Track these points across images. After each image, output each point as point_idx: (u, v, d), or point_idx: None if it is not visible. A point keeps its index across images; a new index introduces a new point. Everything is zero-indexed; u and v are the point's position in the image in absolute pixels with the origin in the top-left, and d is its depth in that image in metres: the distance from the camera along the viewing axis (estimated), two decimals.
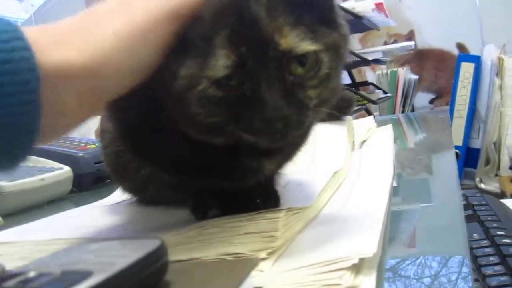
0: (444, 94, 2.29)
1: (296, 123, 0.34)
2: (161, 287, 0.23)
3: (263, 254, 0.30)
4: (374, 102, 1.26)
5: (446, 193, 0.50)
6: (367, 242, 0.29)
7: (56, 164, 0.86)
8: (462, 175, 1.90)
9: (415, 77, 2.03)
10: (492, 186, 1.90)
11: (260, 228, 0.34)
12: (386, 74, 2.10)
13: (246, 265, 0.27)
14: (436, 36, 2.32)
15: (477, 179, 1.91)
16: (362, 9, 1.21)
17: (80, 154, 0.92)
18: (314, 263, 0.28)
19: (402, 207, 0.52)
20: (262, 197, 0.42)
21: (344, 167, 0.56)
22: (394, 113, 1.98)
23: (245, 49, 0.32)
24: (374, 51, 1.28)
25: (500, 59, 1.91)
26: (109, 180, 0.95)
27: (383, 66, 2.08)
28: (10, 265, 0.24)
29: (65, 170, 0.84)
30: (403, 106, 1.99)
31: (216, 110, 0.34)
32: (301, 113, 0.34)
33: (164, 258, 0.23)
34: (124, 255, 0.22)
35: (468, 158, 1.90)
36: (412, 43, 1.41)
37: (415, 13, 2.33)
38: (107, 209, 0.58)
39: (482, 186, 1.91)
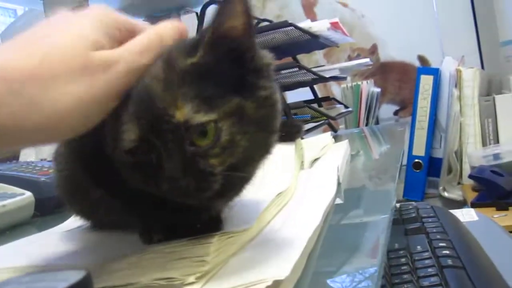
0: (408, 105, 2.35)
1: (197, 191, 0.37)
2: None
3: (191, 279, 0.33)
4: (332, 118, 1.30)
5: (381, 205, 0.53)
6: (282, 265, 0.32)
7: (18, 190, 0.88)
8: (425, 184, 1.95)
9: (377, 90, 2.09)
10: (455, 194, 1.95)
11: (193, 253, 0.37)
12: (351, 87, 2.16)
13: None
14: (398, 49, 2.38)
15: (441, 187, 1.97)
16: (318, 29, 1.25)
17: (42, 179, 0.93)
18: (236, 285, 0.31)
19: (344, 221, 0.55)
20: (203, 222, 0.44)
21: (290, 187, 0.59)
22: (358, 126, 2.03)
23: (145, 123, 0.35)
24: (332, 68, 1.32)
25: (458, 71, 1.98)
26: None
27: (348, 79, 2.13)
28: None
29: (27, 196, 0.86)
30: (367, 119, 2.04)
31: (132, 173, 0.38)
32: (201, 181, 0.36)
33: None
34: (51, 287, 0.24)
35: (431, 167, 1.95)
36: (367, 60, 1.45)
37: (377, 27, 2.39)
38: (63, 235, 0.60)
39: (446, 194, 1.96)
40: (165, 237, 0.44)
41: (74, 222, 0.65)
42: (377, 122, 2.17)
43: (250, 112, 0.37)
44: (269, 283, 0.30)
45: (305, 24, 1.26)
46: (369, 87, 2.06)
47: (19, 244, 0.59)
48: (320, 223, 0.45)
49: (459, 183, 1.98)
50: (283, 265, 0.32)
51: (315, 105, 1.37)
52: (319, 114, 1.28)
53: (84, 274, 0.26)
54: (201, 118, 0.35)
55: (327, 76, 1.27)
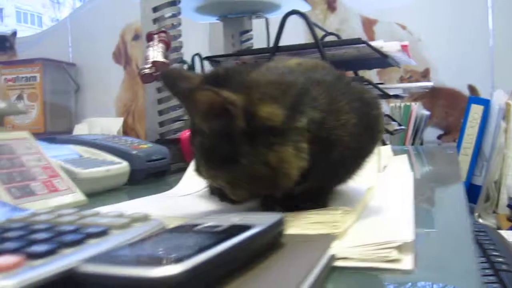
0: (452, 131, 2.42)
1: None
2: (279, 245, 0.36)
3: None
4: (391, 133, 1.39)
5: (456, 220, 0.59)
6: (404, 231, 0.42)
7: (116, 159, 0.99)
8: None
9: (427, 113, 2.17)
10: (489, 221, 2.02)
11: (325, 219, 0.48)
12: (399, 107, 2.24)
13: (328, 237, 0.40)
14: (449, 75, 2.46)
15: (476, 214, 2.04)
16: (389, 49, 1.34)
17: (134, 152, 1.04)
18: (371, 243, 0.41)
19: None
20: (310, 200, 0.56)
21: (374, 185, 0.70)
22: (404, 144, 2.12)
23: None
24: (396, 87, 1.41)
25: (507, 104, 2.05)
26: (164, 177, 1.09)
27: (397, 99, 2.21)
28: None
29: (124, 165, 0.97)
30: (413, 139, 2.12)
31: None
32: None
33: (283, 225, 0.37)
34: (264, 219, 0.35)
35: (470, 193, 2.02)
36: (430, 83, 1.55)
37: (432, 52, 2.48)
38: (190, 198, 0.70)
39: (480, 220, 2.03)
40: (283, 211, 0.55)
41: (184, 188, 0.76)
42: (421, 143, 2.25)
43: (240, 181, 0.51)
44: (399, 243, 0.40)
45: (377, 43, 1.36)
46: (418, 109, 2.14)
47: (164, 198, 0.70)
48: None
49: (494, 212, 2.05)
50: (405, 231, 0.42)
51: None
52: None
53: (281, 215, 0.37)
54: (212, 183, 0.56)
55: (391, 94, 1.37)
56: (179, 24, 1.41)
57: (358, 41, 1.33)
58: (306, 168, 0.51)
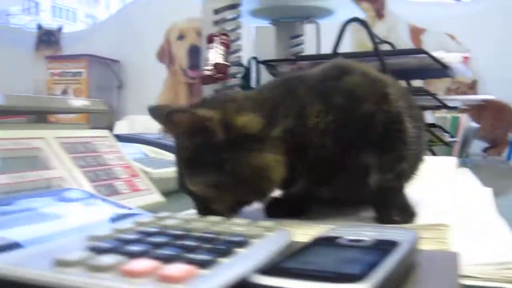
0: (498, 145, 2.38)
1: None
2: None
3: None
4: (447, 145, 1.37)
5: None
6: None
7: None
8: None
9: (475, 125, 2.13)
10: None
11: (432, 235, 0.47)
12: (445, 117, 2.21)
13: (449, 255, 0.39)
14: (496, 88, 2.42)
15: None
16: (450, 60, 1.33)
17: None
18: (491, 262, 0.40)
19: None
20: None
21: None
22: (450, 155, 2.08)
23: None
24: (455, 99, 1.40)
25: None
26: None
27: (444, 110, 2.18)
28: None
29: None
30: (461, 151, 2.09)
31: None
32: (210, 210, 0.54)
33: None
34: (399, 234, 0.34)
35: None
36: (492, 97, 1.53)
37: (480, 64, 2.44)
38: None
39: None
40: None
41: None
42: (467, 156, 2.21)
43: (223, 183, 0.52)
44: None
45: (438, 54, 1.34)
46: (467, 121, 2.11)
47: None
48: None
49: None
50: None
51: None
52: (436, 139, 1.35)
53: (415, 233, 0.36)
54: (197, 190, 0.54)
55: (450, 105, 1.35)
56: (239, 27, 1.41)
57: (419, 51, 1.32)
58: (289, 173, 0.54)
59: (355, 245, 0.33)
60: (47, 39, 3.32)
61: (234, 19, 1.40)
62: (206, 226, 0.37)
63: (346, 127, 0.55)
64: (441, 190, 0.75)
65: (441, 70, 1.37)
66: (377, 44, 1.33)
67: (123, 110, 3.19)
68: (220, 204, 0.53)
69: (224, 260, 0.29)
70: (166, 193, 0.81)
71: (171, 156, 1.00)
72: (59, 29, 3.38)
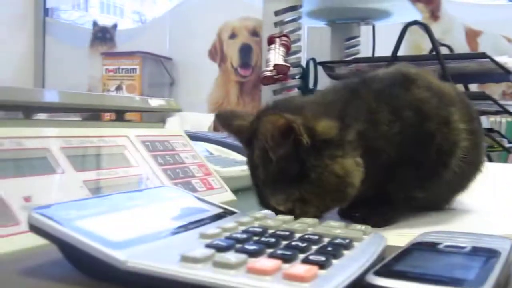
0: None
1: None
2: None
3: None
4: (507, 150, 1.35)
5: None
6: None
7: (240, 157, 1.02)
8: None
9: None
10: None
11: None
12: (500, 122, 2.17)
13: None
14: None
15: None
16: None
17: None
18: None
19: None
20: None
21: None
22: (506, 161, 2.05)
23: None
24: None
25: None
26: None
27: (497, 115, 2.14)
28: None
29: None
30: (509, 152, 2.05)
31: None
32: None
33: None
34: (500, 243, 0.35)
35: None
36: None
37: None
38: None
39: None
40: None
41: None
42: None
43: (309, 197, 0.51)
44: None
45: (501, 59, 1.32)
46: None
47: None
48: None
49: None
50: None
51: None
52: (496, 144, 1.34)
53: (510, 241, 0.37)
54: (282, 208, 0.52)
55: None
56: (299, 28, 1.43)
57: (482, 55, 1.30)
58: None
59: (456, 251, 0.34)
60: (102, 36, 3.41)
61: (294, 20, 1.42)
62: (304, 227, 0.39)
63: (409, 141, 0.56)
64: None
65: (503, 75, 1.35)
66: (438, 48, 1.33)
67: None
68: (305, 213, 0.51)
69: (336, 262, 0.31)
70: (234, 191, 0.83)
71: (235, 155, 1.02)
72: (114, 26, 3.47)
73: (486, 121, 2.33)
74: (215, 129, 3.08)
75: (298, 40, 1.42)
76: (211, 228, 0.36)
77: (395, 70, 0.62)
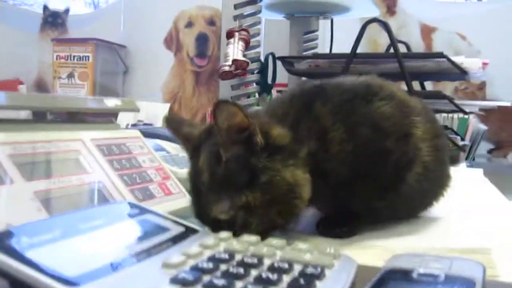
0: (503, 147, 2.39)
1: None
2: None
3: None
4: (462, 150, 1.37)
5: None
6: None
7: None
8: None
9: (484, 127, 2.14)
10: None
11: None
12: (452, 118, 2.21)
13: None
14: (505, 90, 2.42)
15: None
16: (470, 66, 1.33)
17: None
18: None
19: None
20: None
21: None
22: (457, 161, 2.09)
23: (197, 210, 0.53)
24: (472, 104, 1.40)
25: None
26: None
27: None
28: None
29: None
30: (468, 154, 2.09)
31: None
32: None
33: None
34: (474, 269, 0.35)
35: None
36: (507, 103, 1.53)
37: (490, 65, 2.43)
38: None
39: None
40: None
41: None
42: (472, 159, 2.22)
43: (257, 203, 0.48)
44: None
45: (458, 59, 1.34)
46: (476, 123, 2.11)
47: None
48: None
49: None
50: None
51: None
52: (451, 144, 1.35)
53: (482, 266, 0.36)
54: (224, 216, 0.48)
55: (467, 110, 1.35)
56: (259, 22, 1.40)
57: (439, 55, 1.31)
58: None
59: (431, 281, 0.33)
60: (53, 20, 3.29)
61: (253, 14, 1.39)
62: (272, 251, 0.37)
63: (364, 159, 0.55)
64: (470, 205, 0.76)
65: (459, 74, 1.37)
66: (397, 47, 1.33)
67: (128, 95, 3.18)
68: (246, 225, 0.49)
69: None
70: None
71: None
72: (66, 11, 3.35)
73: (439, 118, 2.37)
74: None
75: (258, 34, 1.39)
76: (174, 255, 0.34)
77: (361, 82, 0.61)
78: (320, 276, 0.33)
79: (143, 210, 0.45)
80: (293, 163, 0.51)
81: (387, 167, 0.56)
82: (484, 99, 2.42)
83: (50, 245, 0.33)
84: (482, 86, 2.44)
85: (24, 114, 0.69)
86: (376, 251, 0.53)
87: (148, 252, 0.35)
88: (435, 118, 0.64)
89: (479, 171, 1.04)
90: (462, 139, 1.63)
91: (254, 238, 0.40)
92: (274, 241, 0.40)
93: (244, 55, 1.32)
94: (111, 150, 0.67)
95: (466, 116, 2.18)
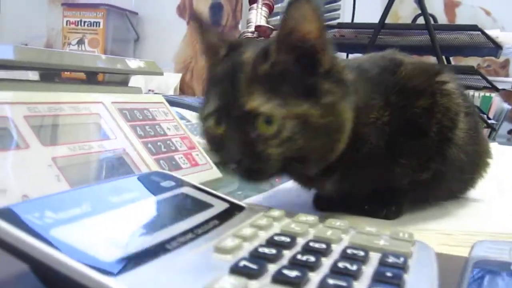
0: None
1: (249, 169, 0.42)
2: None
3: None
4: (492, 128, 1.31)
5: None
6: None
7: None
8: None
9: (508, 106, 2.06)
10: None
11: None
12: (473, 96, 2.13)
13: None
14: None
15: None
16: (504, 40, 1.25)
17: None
18: None
19: None
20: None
21: None
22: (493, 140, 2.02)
23: (222, 102, 0.42)
24: (506, 81, 1.33)
25: None
26: None
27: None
28: None
29: None
30: (490, 134, 2.02)
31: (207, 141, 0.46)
32: (255, 162, 0.41)
33: None
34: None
35: None
36: None
37: None
38: None
39: None
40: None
41: None
42: (493, 139, 2.15)
43: (313, 120, 0.41)
44: None
45: (493, 32, 1.27)
46: (499, 102, 2.04)
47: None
48: None
49: None
50: None
51: None
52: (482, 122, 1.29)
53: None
54: (269, 109, 0.40)
55: (499, 87, 1.28)
56: None
57: (473, 27, 1.24)
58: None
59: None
60: None
61: None
62: (337, 234, 0.31)
63: (400, 127, 0.49)
64: None
65: (492, 49, 1.30)
66: (428, 19, 1.26)
67: None
68: (276, 155, 0.41)
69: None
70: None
71: None
72: None
73: None
74: (181, 90, 2.96)
75: (281, 0, 1.32)
76: (227, 238, 0.28)
77: (381, 57, 0.56)
78: (405, 268, 0.27)
79: (180, 182, 0.39)
80: (351, 101, 0.45)
81: (430, 130, 0.50)
82: (506, 77, 2.33)
83: (78, 222, 0.27)
84: (505, 64, 2.35)
85: (36, 75, 0.63)
86: (432, 234, 0.47)
87: (194, 233, 0.30)
88: (462, 85, 0.59)
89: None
90: (488, 118, 1.56)
91: (311, 218, 0.35)
92: (336, 222, 0.34)
93: (268, 22, 1.26)
94: (134, 115, 0.61)
95: (489, 94, 2.10)
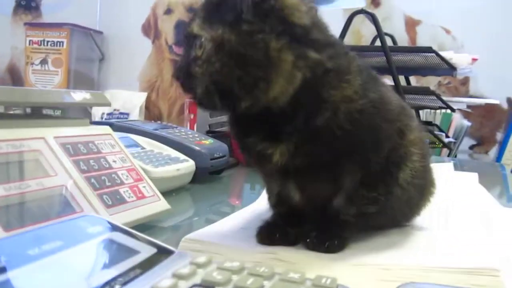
0: (485, 143, 2.36)
1: (182, 85, 0.49)
2: None
3: None
4: (448, 147, 1.33)
5: None
6: None
7: (180, 155, 0.93)
8: None
9: (467, 123, 2.11)
10: None
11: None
12: (434, 112, 2.17)
13: None
14: (488, 86, 2.40)
15: None
16: (458, 62, 1.28)
17: (198, 148, 0.98)
18: None
19: None
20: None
21: None
22: (440, 155, 2.05)
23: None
24: (460, 101, 1.36)
25: None
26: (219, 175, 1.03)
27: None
28: None
29: (191, 163, 0.91)
30: (450, 150, 2.06)
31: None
32: (186, 78, 0.48)
33: None
34: None
35: None
36: (496, 101, 1.49)
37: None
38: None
39: None
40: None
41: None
42: (455, 156, 2.19)
43: (229, 45, 0.44)
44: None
45: (447, 54, 1.30)
46: (460, 119, 2.08)
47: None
48: None
49: None
50: None
51: None
52: (436, 140, 1.31)
53: None
54: (200, 32, 0.46)
55: (455, 107, 1.31)
56: None
57: (428, 49, 1.27)
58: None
59: None
60: (27, 3, 3.17)
61: None
62: (259, 283, 0.31)
63: (362, 129, 0.49)
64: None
65: (447, 69, 1.33)
66: (384, 40, 1.28)
67: (104, 83, 3.08)
68: (200, 74, 0.46)
69: None
70: (163, 193, 0.74)
71: (169, 150, 0.94)
72: None
73: (421, 113, 2.34)
74: (147, 109, 2.95)
75: None
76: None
77: None
78: None
79: (109, 226, 0.38)
80: (297, 47, 0.45)
81: (380, 153, 0.51)
82: (467, 94, 2.39)
83: None
84: (465, 81, 2.40)
85: None
86: (370, 269, 0.48)
87: (111, 286, 0.29)
88: (423, 131, 0.61)
89: (474, 176, 0.98)
90: (447, 136, 1.59)
91: (236, 264, 0.35)
92: (261, 268, 0.34)
93: None
94: (78, 149, 0.60)
95: (449, 112, 2.14)
